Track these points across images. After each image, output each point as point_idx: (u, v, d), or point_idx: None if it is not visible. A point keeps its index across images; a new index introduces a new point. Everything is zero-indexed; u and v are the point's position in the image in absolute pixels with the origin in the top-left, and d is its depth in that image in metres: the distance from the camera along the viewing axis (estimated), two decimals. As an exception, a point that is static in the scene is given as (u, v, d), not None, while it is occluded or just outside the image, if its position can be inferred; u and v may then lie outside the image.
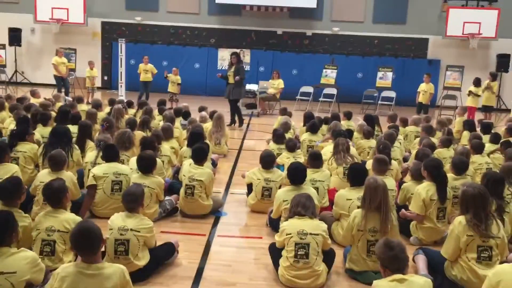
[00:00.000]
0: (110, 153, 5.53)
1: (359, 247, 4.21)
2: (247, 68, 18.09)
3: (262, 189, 5.80)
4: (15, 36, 17.46)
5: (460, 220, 4.03)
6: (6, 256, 3.21)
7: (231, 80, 11.40)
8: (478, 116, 13.03)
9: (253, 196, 5.91)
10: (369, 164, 5.91)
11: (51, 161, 5.14)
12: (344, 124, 9.21)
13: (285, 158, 6.79)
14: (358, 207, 4.72)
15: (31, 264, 3.27)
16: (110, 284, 3.11)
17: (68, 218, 3.98)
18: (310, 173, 5.49)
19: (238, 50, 16.90)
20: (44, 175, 5.10)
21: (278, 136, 7.70)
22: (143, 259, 4.04)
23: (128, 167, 5.58)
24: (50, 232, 3.91)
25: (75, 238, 3.18)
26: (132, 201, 4.13)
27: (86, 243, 3.14)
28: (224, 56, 18.15)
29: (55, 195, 4.06)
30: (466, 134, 8.66)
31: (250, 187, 6.04)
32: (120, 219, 4.08)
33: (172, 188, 6.05)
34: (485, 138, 8.00)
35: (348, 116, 9.84)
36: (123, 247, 3.95)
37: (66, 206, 4.17)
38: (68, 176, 5.09)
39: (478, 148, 6.91)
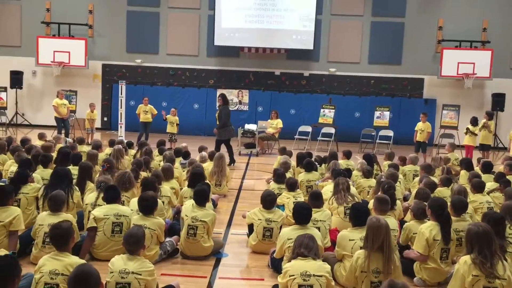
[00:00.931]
0: (111, 195, 5.50)
1: (363, 288, 4.16)
2: (246, 108, 18.36)
3: (263, 229, 5.76)
4: (16, 78, 17.72)
5: (465, 260, 4.00)
6: None
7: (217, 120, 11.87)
8: (476, 154, 13.11)
9: (254, 237, 5.86)
10: (370, 204, 5.90)
11: (50, 201, 5.16)
12: (343, 163, 9.25)
13: (285, 198, 6.79)
14: (361, 248, 4.69)
15: None
16: None
17: (73, 262, 3.91)
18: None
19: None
20: (44, 218, 5.13)
21: (278, 175, 7.70)
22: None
23: (128, 208, 5.56)
24: (54, 275, 3.85)
25: (73, 282, 3.13)
26: (134, 243, 4.09)
27: (84, 287, 3.11)
28: (223, 97, 18.38)
29: (62, 237, 4.00)
30: (463, 173, 8.67)
31: (251, 228, 6.00)
32: (122, 262, 4.03)
33: (172, 229, 6.00)
34: (485, 177, 8.01)
35: (348, 155, 9.88)
36: None
37: (70, 249, 4.13)
38: (68, 217, 5.07)
39: (478, 187, 6.91)
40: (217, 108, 12.56)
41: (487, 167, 8.76)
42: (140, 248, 4.14)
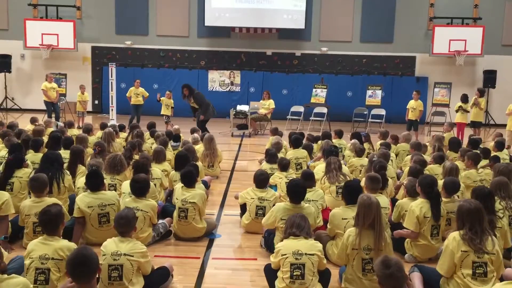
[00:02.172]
0: (93, 182, 5.31)
1: (354, 266, 4.19)
2: (238, 89, 18.29)
3: (256, 208, 5.78)
4: (4, 62, 17.47)
5: (454, 236, 4.04)
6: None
7: (196, 107, 12.42)
8: (468, 131, 13.18)
9: (247, 216, 5.89)
10: (362, 183, 5.93)
11: (33, 181, 5.10)
12: (335, 142, 9.27)
13: (278, 178, 6.80)
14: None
15: None
16: None
17: (63, 246, 3.91)
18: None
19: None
20: (29, 207, 5.03)
21: (271, 155, 7.70)
22: (137, 284, 3.99)
23: (115, 195, 5.44)
24: (44, 260, 3.84)
25: (72, 266, 3.15)
26: (125, 225, 4.09)
27: (83, 270, 3.14)
28: (214, 78, 18.29)
29: (51, 222, 3.98)
30: (449, 154, 8.67)
31: (243, 208, 6.02)
32: (114, 244, 4.04)
33: (165, 211, 6.01)
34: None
35: (339, 134, 9.90)
36: (117, 273, 3.90)
37: (60, 232, 4.12)
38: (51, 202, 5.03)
39: (476, 159, 6.98)
40: (186, 100, 12.67)
41: (474, 144, 8.80)
42: (131, 229, 4.13)
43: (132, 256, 3.98)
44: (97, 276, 3.38)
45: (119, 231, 4.10)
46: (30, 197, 5.85)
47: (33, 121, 10.81)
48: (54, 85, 14.54)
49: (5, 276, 3.27)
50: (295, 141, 8.43)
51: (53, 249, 3.89)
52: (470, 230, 3.98)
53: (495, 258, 3.97)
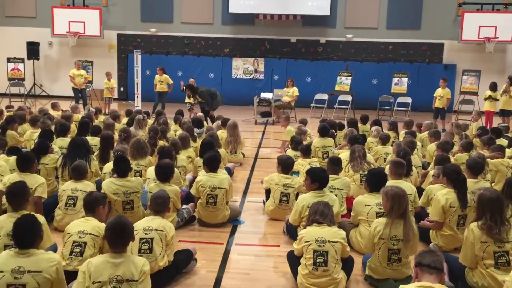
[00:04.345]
0: (122, 167, 5.43)
1: (380, 255, 4.16)
2: (261, 76, 18.24)
3: (281, 194, 5.79)
4: (33, 49, 17.79)
5: (472, 228, 4.00)
6: (35, 256, 3.35)
7: (203, 100, 12.29)
8: (497, 120, 12.87)
9: (271, 202, 5.90)
10: (386, 169, 5.88)
11: (74, 171, 5.41)
12: (360, 128, 9.22)
13: (300, 165, 6.76)
14: (377, 213, 4.70)
15: (55, 267, 3.38)
16: (137, 271, 3.35)
17: (100, 225, 4.11)
18: (329, 180, 5.45)
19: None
20: (67, 184, 5.39)
21: (296, 142, 7.68)
22: (162, 261, 4.09)
23: (140, 182, 5.53)
24: (83, 234, 4.04)
25: (111, 230, 3.45)
26: (161, 204, 4.36)
27: (120, 236, 3.43)
28: (238, 65, 18.26)
29: (91, 204, 4.26)
30: (476, 142, 8.52)
31: (268, 193, 6.04)
32: (145, 221, 4.23)
33: (189, 197, 6.07)
34: (499, 142, 7.89)
35: (364, 120, 9.81)
36: (147, 245, 4.05)
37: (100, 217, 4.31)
38: (90, 185, 5.36)
39: (500, 150, 6.86)
40: (191, 98, 12.67)
41: (497, 133, 8.59)
42: (165, 209, 4.40)
43: (162, 230, 4.12)
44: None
45: (155, 210, 4.33)
46: (57, 182, 6.05)
47: (53, 106, 11.02)
48: (82, 72, 14.75)
49: (41, 250, 3.45)
50: (322, 130, 8.37)
51: (92, 226, 4.10)
52: (490, 219, 3.93)
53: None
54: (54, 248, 4.23)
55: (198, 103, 12.64)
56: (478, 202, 4.09)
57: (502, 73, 16.73)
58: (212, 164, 5.73)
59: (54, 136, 7.45)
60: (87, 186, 5.36)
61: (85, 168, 5.51)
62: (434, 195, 5.12)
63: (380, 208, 4.66)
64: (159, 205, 4.35)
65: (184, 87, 12.76)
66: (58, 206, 5.34)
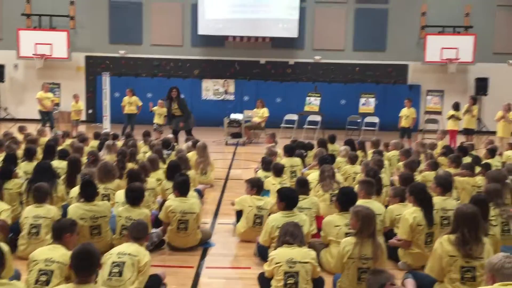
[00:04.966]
0: (88, 191, 5.32)
1: (349, 275, 4.19)
2: (231, 97, 18.35)
3: (254, 216, 5.76)
4: (-2, 72, 17.43)
5: (441, 241, 4.07)
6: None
7: (178, 113, 12.17)
8: (460, 138, 13.27)
9: (243, 224, 5.86)
10: (355, 189, 5.95)
11: (35, 192, 5.24)
12: (329, 147, 9.33)
13: (271, 184, 6.79)
14: (346, 234, 4.73)
15: None
16: None
17: (68, 253, 3.96)
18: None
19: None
20: (29, 210, 5.19)
21: (266, 163, 7.71)
22: (132, 286, 3.98)
23: (108, 206, 5.43)
24: (49, 262, 3.93)
25: (76, 258, 3.37)
26: (141, 231, 4.33)
27: (85, 264, 3.35)
28: (208, 87, 18.33)
29: (60, 231, 4.15)
30: (441, 160, 8.73)
31: (239, 215, 6.00)
32: (122, 247, 4.17)
33: (158, 220, 5.98)
34: (465, 160, 8.11)
35: (332, 140, 9.95)
36: (118, 269, 3.96)
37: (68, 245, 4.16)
38: (53, 210, 5.18)
39: (469, 168, 7.06)
40: (167, 103, 12.50)
41: (464, 151, 8.84)
42: (146, 235, 4.42)
43: (136, 256, 4.05)
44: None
45: (135, 237, 4.25)
46: (22, 208, 5.88)
47: (21, 129, 10.76)
48: (50, 94, 14.53)
49: (5, 280, 3.34)
50: (289, 150, 8.45)
51: (60, 254, 3.99)
52: (464, 235, 3.99)
53: (484, 263, 3.99)
54: (17, 276, 4.09)
55: (170, 120, 12.39)
56: (454, 217, 4.17)
57: (464, 93, 17.32)
58: (182, 188, 5.68)
59: (19, 161, 7.27)
60: (50, 211, 5.19)
61: (47, 190, 5.31)
62: (397, 215, 5.20)
63: (349, 228, 4.71)
64: (140, 232, 4.31)
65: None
66: (21, 234, 5.15)
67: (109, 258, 4.02)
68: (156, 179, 6.90)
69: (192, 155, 8.73)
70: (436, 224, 5.06)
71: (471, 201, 4.84)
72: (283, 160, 8.38)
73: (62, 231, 4.15)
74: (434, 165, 7.46)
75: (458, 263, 3.98)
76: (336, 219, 4.94)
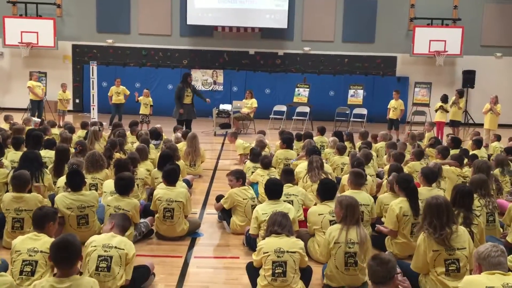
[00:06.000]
0: (75, 181, 5.27)
1: (336, 260, 4.24)
2: (220, 88, 18.28)
3: (252, 207, 5.67)
4: (-17, 60, 17.16)
5: (423, 237, 4.13)
6: None
7: (188, 100, 12.32)
8: (447, 130, 13.40)
9: (240, 219, 5.77)
10: (344, 179, 6.00)
11: (15, 180, 5.11)
12: (317, 139, 9.36)
13: (259, 176, 6.81)
14: (330, 221, 4.79)
15: None
16: None
17: (51, 241, 3.91)
18: (285, 188, 5.50)
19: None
20: (9, 203, 5.06)
21: (255, 154, 7.72)
22: (120, 280, 3.97)
23: (95, 196, 5.39)
24: (33, 252, 3.88)
25: (55, 249, 3.28)
26: (127, 219, 4.40)
27: (65, 255, 3.26)
28: (197, 77, 18.21)
29: (43, 219, 4.07)
30: (428, 151, 8.81)
31: (227, 211, 5.94)
32: (105, 237, 4.07)
33: (147, 210, 5.98)
34: (453, 152, 8.20)
35: (322, 131, 9.98)
36: (106, 263, 3.91)
37: (49, 232, 4.11)
38: (33, 201, 5.05)
39: (458, 160, 7.14)
40: (188, 85, 12.58)
41: (456, 142, 8.95)
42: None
43: (123, 249, 3.99)
44: (79, 265, 3.48)
45: (120, 225, 4.21)
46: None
47: (6, 118, 10.65)
48: (39, 83, 14.38)
49: None
50: (287, 141, 8.46)
51: (42, 242, 3.93)
52: (429, 225, 4.06)
53: (467, 253, 4.06)
54: (5, 266, 4.06)
55: (179, 107, 12.34)
56: (424, 209, 4.28)
57: (451, 85, 17.46)
58: (170, 177, 5.68)
59: (6, 150, 7.19)
60: (30, 202, 5.04)
61: (27, 178, 5.15)
62: (386, 205, 5.27)
63: (333, 216, 4.76)
64: (125, 220, 4.32)
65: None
66: (5, 228, 5.08)
67: (94, 250, 3.94)
68: (145, 169, 6.88)
69: (181, 146, 8.71)
70: (421, 214, 5.11)
71: (454, 190, 4.90)
72: (278, 152, 8.41)
73: (44, 219, 4.06)
74: (419, 154, 7.54)
75: (441, 257, 4.04)
76: (320, 208, 5.03)
